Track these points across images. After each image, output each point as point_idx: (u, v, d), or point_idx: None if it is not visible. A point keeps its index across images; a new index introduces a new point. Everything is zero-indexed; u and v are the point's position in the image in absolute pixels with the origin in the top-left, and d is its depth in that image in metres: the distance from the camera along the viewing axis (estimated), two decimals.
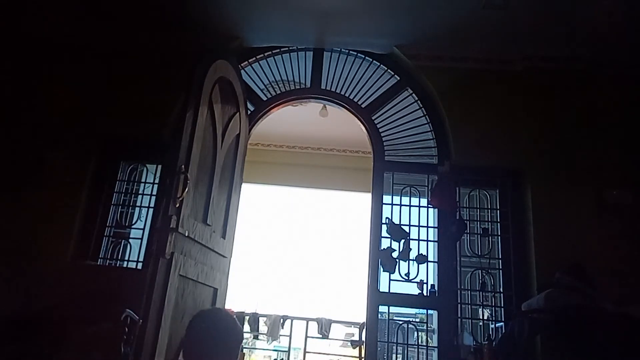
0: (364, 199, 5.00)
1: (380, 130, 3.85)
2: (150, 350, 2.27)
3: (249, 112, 3.70)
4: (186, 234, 2.55)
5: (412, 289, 3.46)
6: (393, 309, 3.49)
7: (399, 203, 3.66)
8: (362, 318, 4.05)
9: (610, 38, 3.43)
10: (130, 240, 3.55)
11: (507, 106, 3.68)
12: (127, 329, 2.39)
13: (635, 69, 3.63)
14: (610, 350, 2.26)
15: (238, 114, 3.37)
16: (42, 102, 3.67)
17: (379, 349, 3.38)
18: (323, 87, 3.98)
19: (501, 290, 3.39)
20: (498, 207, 3.58)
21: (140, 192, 3.64)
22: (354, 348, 5.56)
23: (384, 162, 3.75)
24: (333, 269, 8.67)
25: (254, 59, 4.01)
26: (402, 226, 3.58)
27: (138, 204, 3.63)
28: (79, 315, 2.49)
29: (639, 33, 3.35)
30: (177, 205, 2.45)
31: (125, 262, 3.49)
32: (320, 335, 5.44)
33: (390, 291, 3.45)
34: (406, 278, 3.47)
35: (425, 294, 3.41)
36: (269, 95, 3.99)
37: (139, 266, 3.38)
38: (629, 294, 2.76)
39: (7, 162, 3.46)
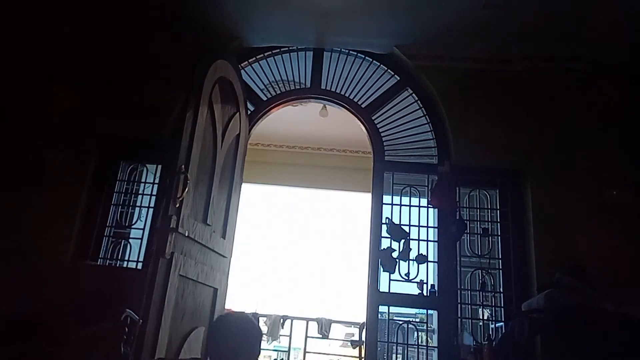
0: (364, 199, 5.00)
1: (380, 130, 3.86)
2: (150, 350, 2.27)
3: (249, 112, 3.70)
4: (186, 234, 2.55)
5: (412, 289, 3.46)
6: (393, 309, 3.49)
7: (399, 203, 3.66)
8: (362, 318, 4.05)
9: (610, 38, 3.43)
10: (130, 240, 3.55)
11: (507, 106, 3.68)
12: (127, 329, 2.39)
13: (635, 69, 3.63)
14: (610, 350, 2.26)
15: (238, 114, 3.37)
16: (42, 102, 3.67)
17: (379, 349, 3.38)
18: (323, 87, 3.98)
19: (501, 290, 3.39)
20: (498, 207, 3.58)
21: (140, 192, 3.64)
22: (354, 348, 5.56)
23: (384, 162, 3.75)
24: (333, 269, 8.67)
25: (254, 59, 4.01)
26: (402, 226, 3.58)
27: (138, 204, 3.63)
28: (79, 315, 2.49)
29: (639, 33, 3.35)
30: (177, 205, 2.45)
31: (125, 262, 3.49)
32: (320, 335, 5.43)
33: (390, 291, 3.45)
34: (406, 278, 3.47)
35: (425, 294, 3.41)
36: (269, 95, 3.99)
37: (139, 266, 3.38)
38: (629, 294, 2.76)
39: (7, 162, 3.46)
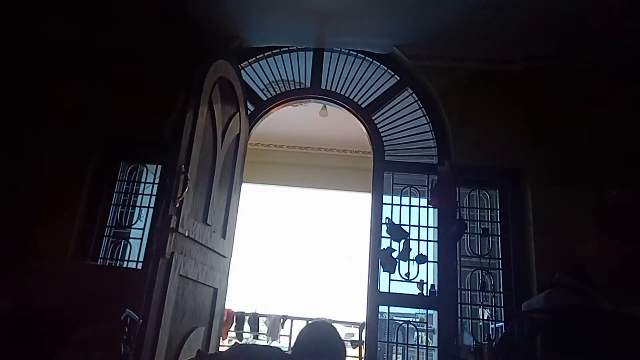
0: (364, 199, 5.00)
1: (380, 130, 3.86)
2: (150, 350, 2.27)
3: (249, 112, 3.70)
4: (186, 234, 2.55)
5: (412, 289, 3.46)
6: (393, 309, 3.49)
7: (399, 203, 3.66)
8: (362, 318, 4.05)
9: (610, 38, 3.43)
10: (130, 240, 3.55)
11: (507, 106, 3.68)
12: (127, 329, 2.38)
13: (635, 69, 3.62)
14: (610, 350, 2.26)
15: (238, 114, 3.37)
16: (42, 102, 3.67)
17: (379, 349, 3.38)
18: (323, 87, 3.98)
19: (501, 290, 3.39)
20: (498, 207, 3.58)
21: (140, 192, 3.64)
22: (354, 348, 5.56)
23: (384, 162, 3.75)
24: (333, 269, 8.67)
25: (254, 59, 4.01)
26: (402, 226, 3.58)
27: (138, 204, 3.63)
28: (79, 315, 2.48)
29: (639, 33, 3.34)
30: (177, 205, 2.45)
31: (125, 262, 3.49)
32: None
33: (390, 291, 3.45)
34: (406, 278, 3.47)
35: (425, 294, 3.41)
36: (269, 95, 3.99)
37: (139, 266, 3.38)
38: (629, 294, 2.76)
39: (7, 162, 3.46)
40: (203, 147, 2.77)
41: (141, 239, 3.50)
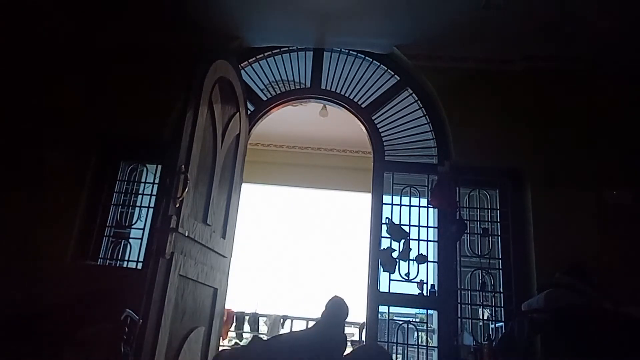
0: (364, 199, 5.00)
1: (380, 130, 3.86)
2: (150, 350, 2.27)
3: (249, 112, 3.70)
4: (186, 234, 2.55)
5: (412, 289, 3.46)
6: (393, 309, 3.49)
7: (399, 203, 3.66)
8: (362, 318, 4.05)
9: (610, 38, 3.43)
10: (130, 240, 3.55)
11: (507, 106, 3.68)
12: (127, 329, 2.38)
13: (635, 69, 3.62)
14: (611, 351, 2.26)
15: (238, 114, 3.37)
16: (42, 102, 3.67)
17: None
18: (323, 87, 3.98)
19: (501, 290, 3.39)
20: (498, 207, 3.58)
21: (140, 192, 3.64)
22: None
23: (384, 162, 3.75)
24: (333, 269, 8.67)
25: (254, 59, 4.01)
26: (402, 226, 3.58)
27: (138, 204, 3.63)
28: (79, 315, 2.48)
29: (639, 33, 3.34)
30: (177, 205, 2.45)
31: (125, 262, 3.49)
32: None
33: (390, 291, 3.45)
34: (406, 278, 3.47)
35: (425, 294, 3.41)
36: (269, 95, 3.99)
37: (139, 266, 3.38)
38: (629, 294, 2.76)
39: (7, 162, 3.46)
40: (203, 147, 2.77)
41: (141, 239, 3.50)
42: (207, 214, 2.86)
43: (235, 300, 5.69)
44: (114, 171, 3.62)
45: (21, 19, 3.71)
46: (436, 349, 3.35)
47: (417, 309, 3.78)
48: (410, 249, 3.52)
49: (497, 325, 3.37)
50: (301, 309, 7.35)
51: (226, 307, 3.56)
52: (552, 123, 3.59)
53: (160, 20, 3.71)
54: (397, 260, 3.49)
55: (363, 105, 3.92)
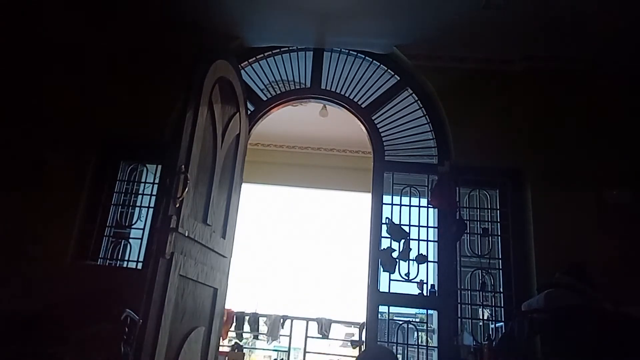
0: (364, 199, 5.00)
1: (380, 130, 3.86)
2: (150, 350, 2.26)
3: (249, 112, 3.70)
4: (186, 234, 2.54)
5: (412, 289, 3.46)
6: (393, 309, 3.49)
7: (399, 203, 3.66)
8: (362, 318, 4.05)
9: (610, 38, 3.43)
10: (130, 240, 3.55)
11: (507, 106, 3.68)
12: (127, 329, 2.38)
13: (636, 69, 3.63)
14: (611, 351, 2.26)
15: (238, 114, 3.37)
16: (42, 102, 3.67)
17: None
18: (323, 87, 3.98)
19: (501, 290, 3.39)
20: (498, 207, 3.58)
21: (140, 192, 3.64)
22: (354, 348, 5.56)
23: (384, 162, 3.75)
24: (333, 269, 8.68)
25: (254, 59, 4.01)
26: (402, 226, 3.58)
27: (138, 204, 3.63)
28: (79, 315, 2.48)
29: (639, 33, 3.35)
30: (177, 205, 2.45)
31: (125, 262, 3.49)
32: (320, 335, 5.43)
33: (390, 291, 3.45)
34: (406, 278, 3.47)
35: (425, 294, 3.41)
36: (269, 95, 3.99)
37: (139, 266, 3.38)
38: (629, 294, 2.76)
39: (7, 162, 3.46)
40: (203, 147, 2.77)
41: (141, 239, 3.50)
42: (207, 214, 2.86)
43: (235, 300, 5.69)
44: (114, 171, 3.62)
45: (21, 19, 3.71)
46: (436, 349, 3.35)
47: (417, 309, 3.78)
48: (410, 249, 3.52)
49: (497, 325, 3.37)
50: (301, 309, 7.36)
51: (226, 307, 3.56)
52: (552, 123, 3.59)
53: (161, 20, 3.71)
54: (397, 260, 3.49)
55: (363, 105, 3.92)
